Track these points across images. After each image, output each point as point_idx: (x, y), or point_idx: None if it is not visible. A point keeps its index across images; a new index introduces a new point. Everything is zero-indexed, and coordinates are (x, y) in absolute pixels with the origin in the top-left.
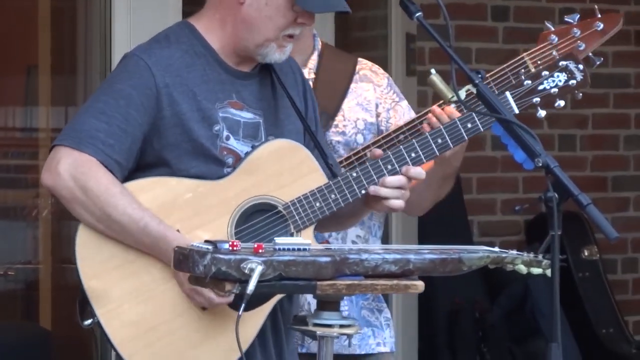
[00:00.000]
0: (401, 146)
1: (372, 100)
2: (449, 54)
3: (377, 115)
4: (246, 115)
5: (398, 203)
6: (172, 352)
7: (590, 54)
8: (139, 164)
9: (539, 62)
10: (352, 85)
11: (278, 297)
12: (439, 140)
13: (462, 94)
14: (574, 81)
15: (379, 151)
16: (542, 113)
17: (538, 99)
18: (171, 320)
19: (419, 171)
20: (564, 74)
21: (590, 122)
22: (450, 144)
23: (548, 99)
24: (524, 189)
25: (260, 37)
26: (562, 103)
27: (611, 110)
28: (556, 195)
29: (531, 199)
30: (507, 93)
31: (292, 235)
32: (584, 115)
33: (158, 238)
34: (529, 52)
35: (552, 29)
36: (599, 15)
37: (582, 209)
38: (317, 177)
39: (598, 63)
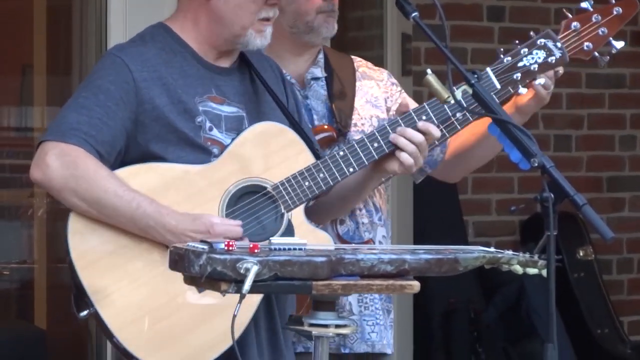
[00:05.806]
0: (386, 123)
1: (380, 96)
2: (445, 54)
3: (388, 110)
4: (227, 109)
5: (410, 159)
6: (169, 336)
7: (596, 53)
8: (126, 162)
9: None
10: (357, 84)
11: None
12: (424, 117)
13: (458, 94)
14: (552, 58)
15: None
16: (523, 90)
17: (519, 75)
18: (166, 304)
19: (434, 128)
20: (542, 51)
21: (585, 123)
22: (435, 121)
23: (529, 76)
24: (520, 189)
25: (236, 27)
26: (542, 81)
27: (606, 110)
28: (552, 196)
29: (526, 199)
30: (488, 69)
31: (282, 215)
32: (580, 115)
33: (152, 216)
34: None
35: (570, 16)
36: (614, 1)
37: (578, 209)
38: (304, 158)
39: (604, 64)
